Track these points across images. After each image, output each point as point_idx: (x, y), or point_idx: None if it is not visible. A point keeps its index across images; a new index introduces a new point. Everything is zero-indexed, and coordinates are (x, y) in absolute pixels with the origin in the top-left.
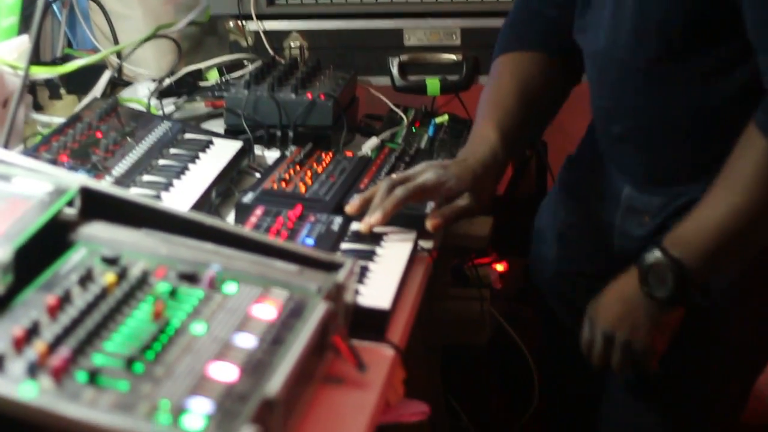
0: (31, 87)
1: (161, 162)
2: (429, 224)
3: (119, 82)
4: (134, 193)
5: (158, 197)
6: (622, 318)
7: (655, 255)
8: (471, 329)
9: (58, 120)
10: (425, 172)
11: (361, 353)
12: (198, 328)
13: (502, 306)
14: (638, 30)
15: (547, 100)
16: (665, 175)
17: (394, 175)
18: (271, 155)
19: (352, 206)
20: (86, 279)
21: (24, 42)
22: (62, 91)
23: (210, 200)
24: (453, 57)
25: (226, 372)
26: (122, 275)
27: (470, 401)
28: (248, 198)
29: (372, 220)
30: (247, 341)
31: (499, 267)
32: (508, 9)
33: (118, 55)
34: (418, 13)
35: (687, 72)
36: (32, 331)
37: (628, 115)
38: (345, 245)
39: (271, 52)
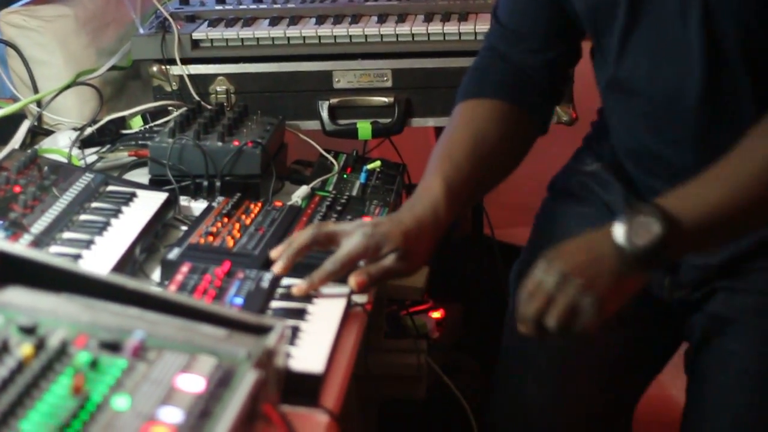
0: None
1: (82, 217)
2: (352, 281)
3: (39, 131)
4: (53, 255)
5: (79, 256)
6: (585, 265)
7: (645, 205)
8: (408, 383)
9: None
10: (352, 237)
11: (293, 421)
12: (121, 402)
13: (439, 356)
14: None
15: (505, 154)
16: None
17: (318, 227)
18: (198, 206)
19: (279, 268)
20: (1, 351)
21: None
22: None
23: (134, 257)
24: (384, 99)
25: None
26: (40, 346)
27: None
28: (174, 254)
29: (305, 285)
30: (173, 415)
31: (436, 314)
32: (442, 49)
33: (38, 103)
34: (347, 55)
35: None
36: None
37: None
38: (275, 303)
39: (196, 97)
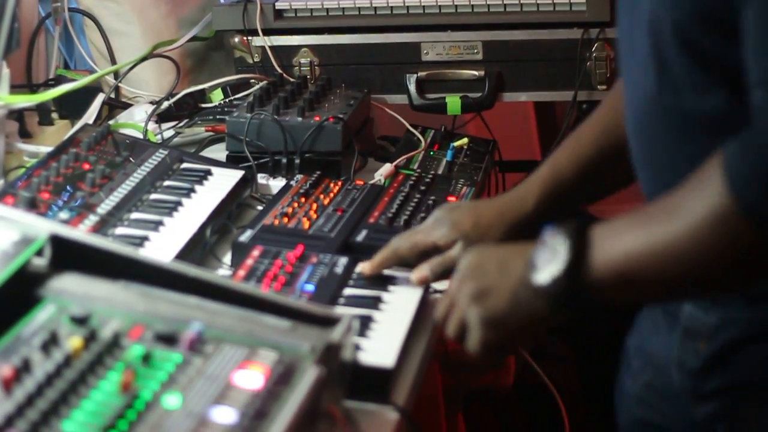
0: (18, 113)
1: (153, 196)
2: (414, 278)
3: (117, 104)
4: (111, 240)
5: (146, 238)
6: (486, 275)
7: (568, 227)
8: (494, 371)
9: (47, 149)
10: (435, 230)
11: (361, 418)
12: (171, 400)
13: None
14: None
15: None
16: None
17: (402, 239)
18: (276, 184)
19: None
20: (50, 343)
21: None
22: (54, 115)
23: (205, 239)
24: (475, 73)
25: None
26: (91, 338)
27: None
28: (245, 237)
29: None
30: (225, 416)
31: None
32: (535, 20)
33: (116, 75)
34: (437, 26)
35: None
36: None
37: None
38: (349, 290)
39: (278, 69)
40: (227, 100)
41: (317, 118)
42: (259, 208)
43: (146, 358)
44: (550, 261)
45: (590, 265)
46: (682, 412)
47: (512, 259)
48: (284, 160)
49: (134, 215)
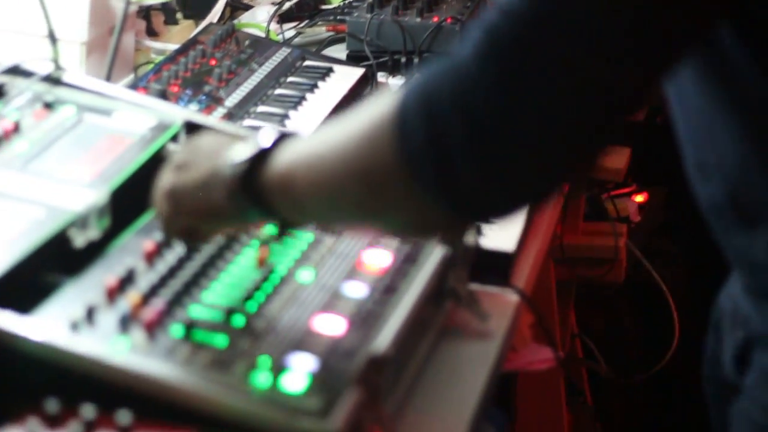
0: (145, 12)
1: (278, 91)
2: None
3: (239, 5)
4: (243, 127)
5: None
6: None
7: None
8: (606, 266)
9: (173, 47)
10: None
11: (483, 299)
12: (305, 275)
13: (640, 240)
14: None
15: None
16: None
17: None
18: (396, 82)
19: None
20: None
21: None
22: (179, 15)
23: None
24: None
25: (332, 325)
26: None
27: (606, 341)
28: None
29: None
30: (357, 290)
31: (639, 198)
32: None
33: None
34: None
35: None
36: (127, 280)
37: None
38: None
39: None
40: (347, 1)
41: (436, 19)
42: None
43: (280, 236)
44: (242, 151)
45: (267, 163)
46: None
47: (225, 144)
48: (403, 60)
49: (260, 108)
